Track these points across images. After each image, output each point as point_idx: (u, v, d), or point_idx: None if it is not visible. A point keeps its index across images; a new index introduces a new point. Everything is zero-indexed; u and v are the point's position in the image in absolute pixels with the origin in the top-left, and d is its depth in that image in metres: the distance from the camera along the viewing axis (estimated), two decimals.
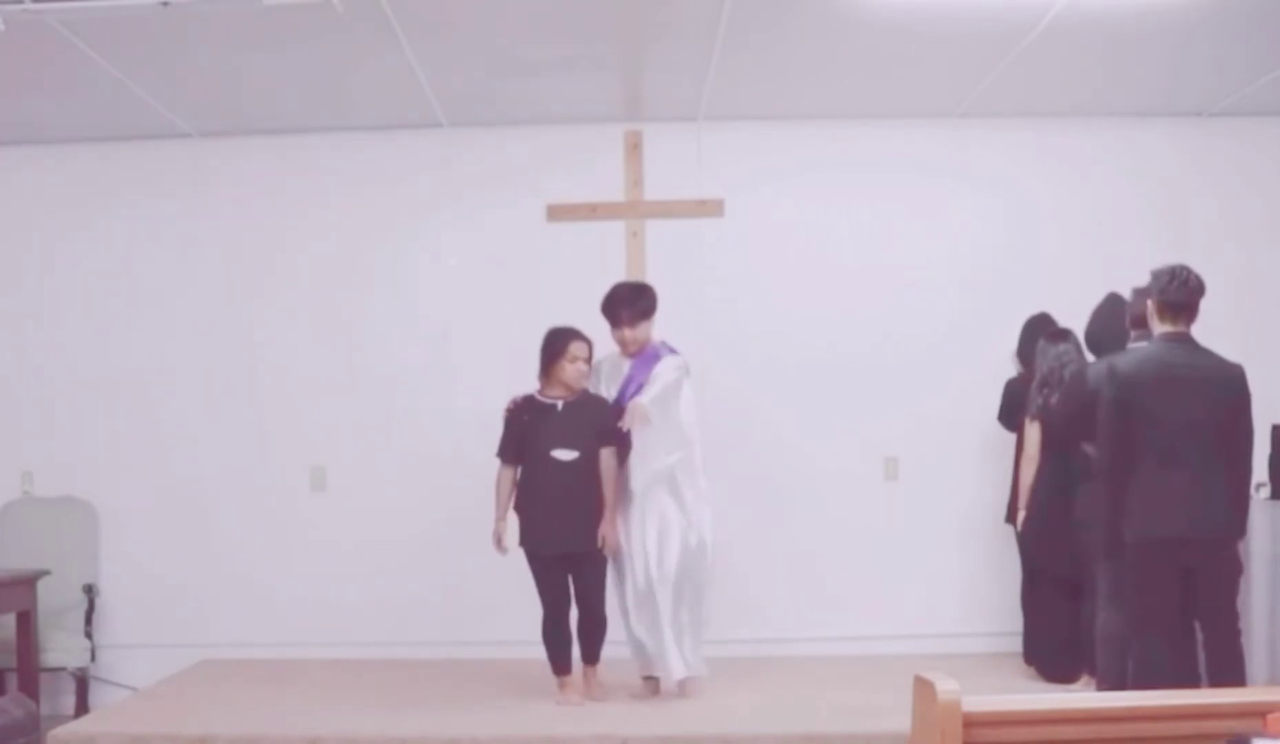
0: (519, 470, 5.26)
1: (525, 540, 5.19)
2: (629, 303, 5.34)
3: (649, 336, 5.40)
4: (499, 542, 5.23)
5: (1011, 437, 5.77)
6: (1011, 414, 5.72)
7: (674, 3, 4.91)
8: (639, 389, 5.25)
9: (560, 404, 5.21)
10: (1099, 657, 4.87)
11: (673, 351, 5.41)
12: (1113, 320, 5.13)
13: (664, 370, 5.26)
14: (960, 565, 6.26)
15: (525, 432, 5.21)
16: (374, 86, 5.76)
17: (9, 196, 6.46)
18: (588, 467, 5.15)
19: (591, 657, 5.27)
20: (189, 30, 4.89)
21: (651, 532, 5.21)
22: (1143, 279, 4.69)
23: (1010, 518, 5.65)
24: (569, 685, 5.24)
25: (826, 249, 6.38)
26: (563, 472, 5.14)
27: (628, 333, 5.33)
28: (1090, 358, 5.20)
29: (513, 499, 5.27)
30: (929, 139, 6.36)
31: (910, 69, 5.67)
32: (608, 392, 5.36)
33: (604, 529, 5.13)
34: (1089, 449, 4.96)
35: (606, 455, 5.17)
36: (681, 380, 5.30)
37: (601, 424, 5.19)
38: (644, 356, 5.37)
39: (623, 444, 5.19)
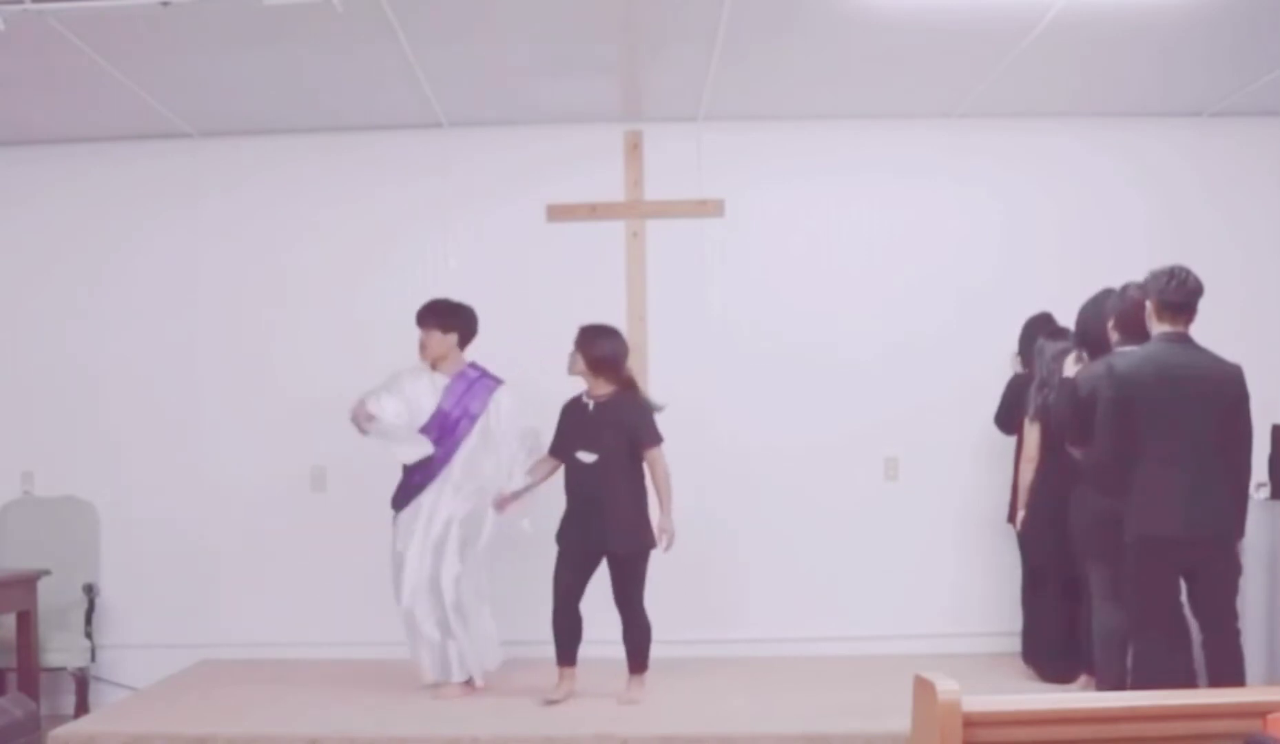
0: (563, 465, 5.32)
1: (559, 533, 5.27)
2: (425, 308, 5.51)
3: (445, 352, 5.48)
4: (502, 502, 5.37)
5: (1011, 438, 5.78)
6: (1010, 413, 5.72)
7: (674, 3, 4.91)
8: (464, 417, 5.39)
9: (592, 404, 5.24)
10: (1097, 655, 4.87)
11: (491, 377, 5.52)
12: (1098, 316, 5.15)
13: (512, 412, 5.46)
14: (960, 565, 6.27)
15: (565, 428, 5.29)
16: (374, 86, 5.76)
17: (7, 197, 6.46)
18: (608, 469, 5.15)
19: (633, 665, 5.27)
20: (189, 30, 4.89)
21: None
22: (1140, 279, 4.71)
23: (1011, 517, 5.64)
24: (564, 677, 5.24)
25: (826, 249, 6.38)
26: (584, 473, 5.19)
27: (420, 336, 5.47)
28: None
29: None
30: (929, 140, 6.36)
31: (910, 70, 5.68)
32: (410, 405, 5.40)
33: (663, 524, 5.17)
34: (1075, 453, 4.97)
35: (653, 455, 5.21)
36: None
37: (635, 424, 5.20)
38: (463, 380, 5.47)
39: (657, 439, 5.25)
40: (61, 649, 5.99)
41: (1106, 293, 5.18)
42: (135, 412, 6.38)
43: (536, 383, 6.24)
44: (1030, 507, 5.38)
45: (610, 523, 5.15)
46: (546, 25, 5.10)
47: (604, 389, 5.25)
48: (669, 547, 5.20)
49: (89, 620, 6.14)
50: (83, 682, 6.05)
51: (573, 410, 5.31)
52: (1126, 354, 4.59)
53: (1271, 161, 6.34)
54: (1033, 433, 5.34)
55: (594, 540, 5.18)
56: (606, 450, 5.16)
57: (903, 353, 6.31)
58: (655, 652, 6.06)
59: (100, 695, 6.15)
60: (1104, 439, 4.46)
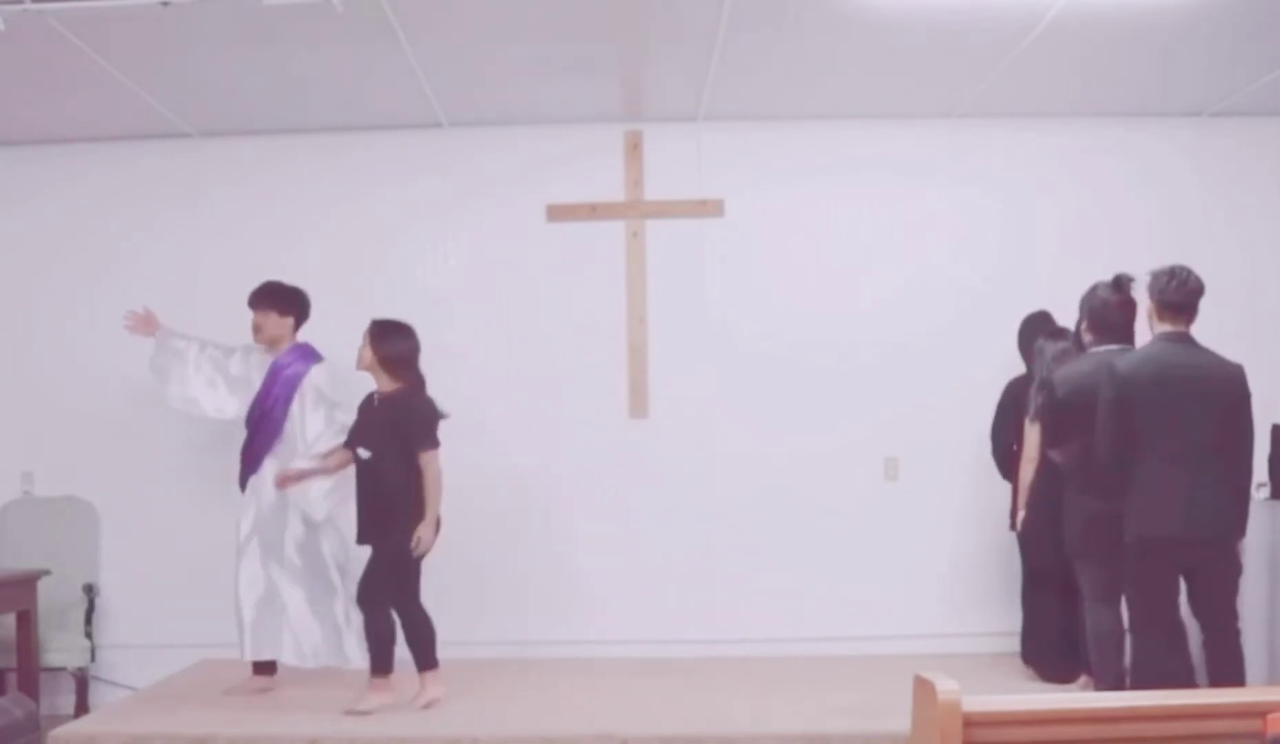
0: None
1: (358, 536, 5.24)
2: (261, 290, 5.53)
3: (282, 335, 5.54)
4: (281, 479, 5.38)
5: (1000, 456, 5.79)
6: (1007, 413, 5.70)
7: (674, 3, 4.91)
8: (280, 399, 5.45)
9: (376, 399, 5.21)
10: (1092, 655, 4.87)
11: (311, 356, 5.54)
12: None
13: (318, 391, 5.48)
14: (960, 565, 6.27)
15: (355, 422, 5.27)
16: (374, 86, 5.76)
17: (7, 197, 6.47)
18: (379, 466, 5.08)
19: (419, 663, 5.14)
20: (189, 30, 4.89)
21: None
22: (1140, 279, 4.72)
23: (1013, 526, 5.62)
24: (375, 687, 5.13)
25: (826, 249, 6.38)
26: (362, 468, 5.15)
27: (254, 318, 5.51)
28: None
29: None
30: (929, 139, 6.36)
31: (910, 69, 5.67)
32: (242, 383, 5.54)
33: (420, 530, 5.00)
34: (1054, 456, 4.97)
35: (425, 459, 5.05)
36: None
37: (411, 425, 5.07)
38: (284, 360, 5.52)
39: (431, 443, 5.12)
40: (61, 649, 5.99)
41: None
42: (135, 412, 6.37)
43: (535, 383, 6.27)
44: (1030, 506, 5.37)
45: (366, 518, 5.08)
46: (546, 25, 5.09)
47: (390, 386, 5.16)
48: (420, 553, 5.02)
49: (89, 620, 6.14)
50: (83, 682, 6.05)
51: (363, 405, 5.26)
52: (1127, 354, 4.60)
53: (1271, 161, 6.35)
54: (1033, 433, 5.33)
55: (365, 535, 5.12)
56: (379, 447, 5.09)
57: (902, 353, 6.30)
58: (657, 651, 6.09)
59: (100, 695, 6.15)
60: (1104, 439, 4.46)
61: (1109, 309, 4.82)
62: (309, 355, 5.57)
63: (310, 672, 5.88)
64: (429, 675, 5.13)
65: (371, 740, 4.73)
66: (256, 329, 5.54)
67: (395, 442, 5.07)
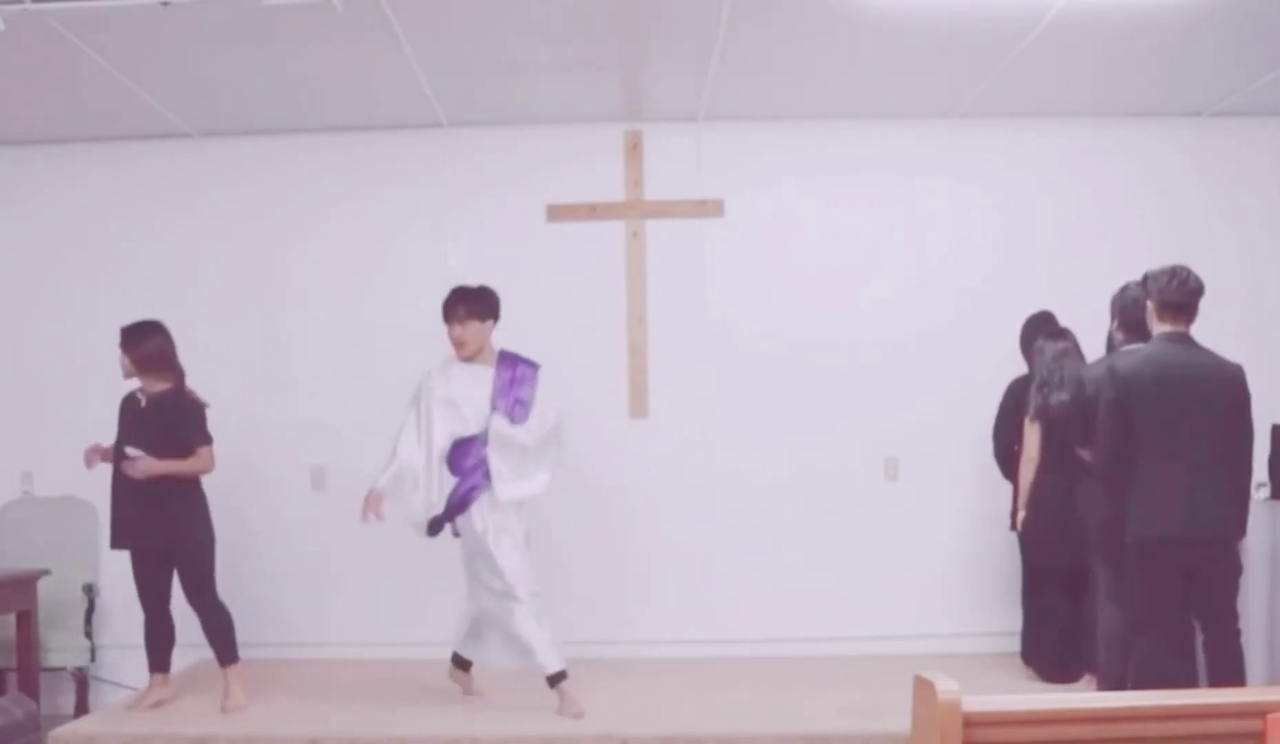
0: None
1: (114, 539, 5.23)
2: (464, 299, 5.16)
3: (484, 342, 5.19)
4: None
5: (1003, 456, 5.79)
6: (1008, 413, 5.71)
7: (674, 3, 4.92)
8: (516, 405, 5.10)
9: (145, 400, 5.23)
10: (1100, 655, 4.87)
11: (528, 363, 5.21)
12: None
13: (543, 405, 5.15)
14: (960, 565, 6.27)
15: (120, 424, 5.25)
16: (374, 86, 5.77)
17: (7, 197, 6.47)
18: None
19: (220, 658, 5.22)
20: (189, 30, 4.90)
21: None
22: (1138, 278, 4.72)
23: (1014, 526, 5.62)
24: (155, 684, 5.25)
25: (826, 249, 6.38)
26: (125, 468, 5.15)
27: (458, 330, 5.11)
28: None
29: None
30: (929, 139, 6.36)
31: (910, 69, 5.68)
32: (448, 400, 5.09)
33: (144, 460, 5.06)
34: (1084, 454, 4.97)
35: (201, 453, 5.15)
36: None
37: (184, 424, 5.13)
38: (506, 368, 5.15)
39: (187, 448, 5.14)
40: (61, 649, 6.00)
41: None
42: None
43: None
44: (1031, 507, 5.37)
45: (163, 523, 5.10)
46: (546, 25, 5.10)
47: (157, 386, 5.20)
48: (130, 473, 5.07)
49: (89, 620, 6.14)
50: (83, 682, 6.05)
51: (126, 404, 5.27)
52: (1127, 354, 4.60)
53: (1271, 161, 6.35)
54: (1033, 433, 5.34)
55: (154, 541, 5.13)
56: (153, 447, 5.12)
57: (902, 353, 6.31)
58: (656, 651, 6.09)
59: (100, 695, 6.15)
60: (1105, 440, 4.46)
61: (1139, 307, 4.80)
62: (522, 359, 5.23)
63: (310, 671, 5.91)
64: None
65: (371, 740, 4.74)
66: (459, 344, 5.13)
67: (171, 441, 5.11)
